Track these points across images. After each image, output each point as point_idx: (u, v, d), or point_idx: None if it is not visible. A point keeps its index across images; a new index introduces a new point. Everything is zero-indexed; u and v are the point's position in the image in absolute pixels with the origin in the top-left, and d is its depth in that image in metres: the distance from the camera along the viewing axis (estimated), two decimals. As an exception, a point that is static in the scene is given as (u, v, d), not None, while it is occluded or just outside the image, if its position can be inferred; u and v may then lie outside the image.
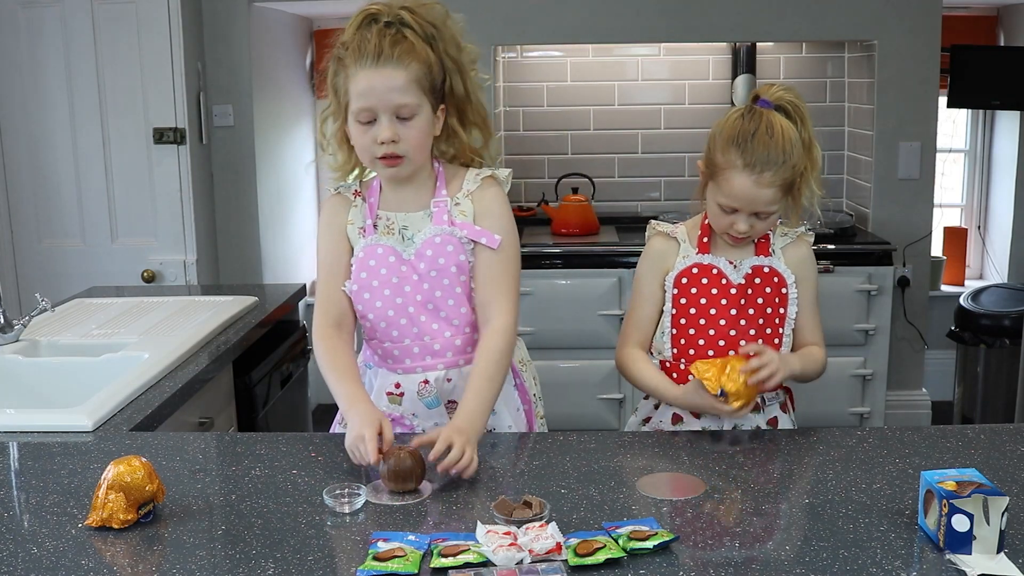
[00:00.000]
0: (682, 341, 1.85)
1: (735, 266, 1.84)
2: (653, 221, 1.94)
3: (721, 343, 1.82)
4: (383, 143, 1.68)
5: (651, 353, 1.92)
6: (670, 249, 1.88)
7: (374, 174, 1.83)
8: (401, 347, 1.79)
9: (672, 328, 1.85)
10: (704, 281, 1.83)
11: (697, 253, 1.86)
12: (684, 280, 1.84)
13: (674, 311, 1.85)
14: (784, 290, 1.84)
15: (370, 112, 1.68)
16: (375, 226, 1.80)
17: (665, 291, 1.86)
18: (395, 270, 1.77)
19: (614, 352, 1.93)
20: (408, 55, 1.66)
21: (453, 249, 1.77)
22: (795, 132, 1.75)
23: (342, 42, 1.71)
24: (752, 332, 1.82)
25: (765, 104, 1.76)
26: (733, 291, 1.82)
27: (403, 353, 1.80)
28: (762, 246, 1.86)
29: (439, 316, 1.78)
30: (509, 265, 1.80)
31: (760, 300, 1.83)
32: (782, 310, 1.84)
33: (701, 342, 1.83)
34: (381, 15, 1.68)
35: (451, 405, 1.81)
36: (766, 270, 1.84)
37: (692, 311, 1.84)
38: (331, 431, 1.90)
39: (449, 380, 1.80)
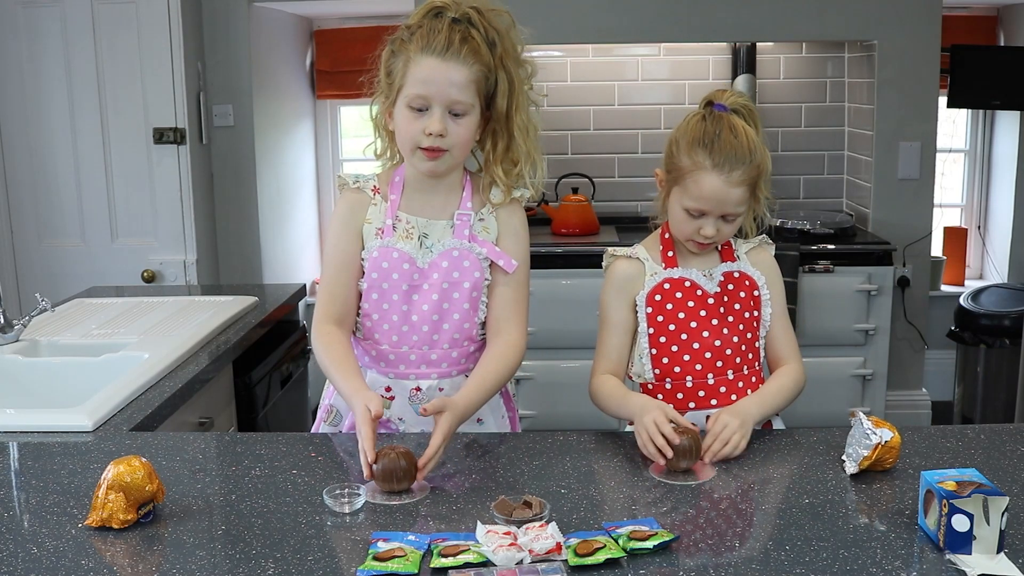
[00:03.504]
0: (664, 360, 1.78)
1: (707, 275, 1.79)
2: (610, 248, 1.87)
3: (708, 355, 1.76)
4: (431, 134, 1.67)
5: (629, 379, 1.86)
6: (635, 271, 1.81)
7: (396, 168, 1.81)
8: (398, 352, 1.78)
9: (651, 349, 1.79)
10: (679, 295, 1.78)
11: (665, 268, 1.80)
12: (657, 297, 1.78)
13: (651, 331, 1.78)
14: (756, 292, 1.80)
15: (424, 100, 1.67)
16: (393, 227, 1.77)
17: (637, 314, 1.80)
18: (407, 277, 1.76)
19: None
20: (474, 55, 1.66)
21: (470, 265, 1.76)
22: (754, 133, 1.74)
23: (406, 26, 1.70)
24: (735, 340, 1.78)
25: (721, 108, 1.75)
26: (711, 301, 1.77)
27: (399, 359, 1.79)
28: (727, 252, 1.82)
29: (441, 328, 1.77)
30: (524, 289, 1.82)
31: (737, 306, 1.79)
32: (757, 313, 1.81)
33: (686, 358, 1.77)
34: (448, 9, 1.68)
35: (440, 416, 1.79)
36: (737, 275, 1.80)
37: (671, 327, 1.77)
38: (313, 431, 1.89)
39: (441, 390, 1.79)
